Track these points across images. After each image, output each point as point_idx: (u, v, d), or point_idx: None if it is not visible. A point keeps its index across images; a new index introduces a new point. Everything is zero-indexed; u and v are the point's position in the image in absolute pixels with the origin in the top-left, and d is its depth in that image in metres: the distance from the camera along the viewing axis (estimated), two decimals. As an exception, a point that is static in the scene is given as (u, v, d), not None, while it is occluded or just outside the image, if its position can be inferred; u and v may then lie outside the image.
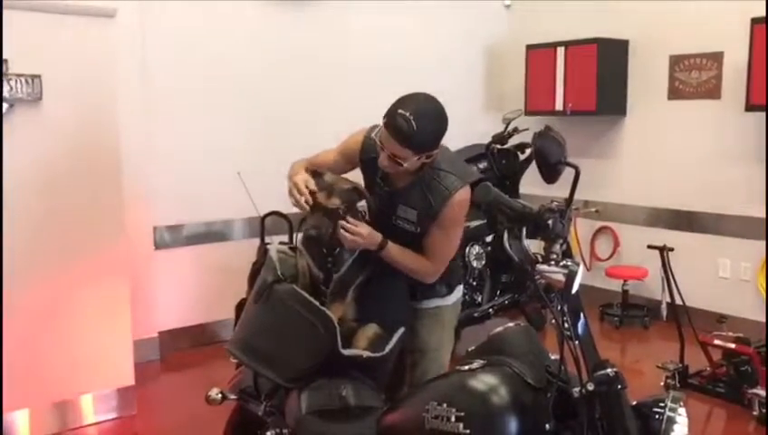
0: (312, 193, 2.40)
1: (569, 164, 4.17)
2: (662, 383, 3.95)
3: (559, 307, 1.80)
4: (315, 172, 2.50)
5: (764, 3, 4.59)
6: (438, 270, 2.47)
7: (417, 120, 2.18)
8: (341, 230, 2.34)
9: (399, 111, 2.20)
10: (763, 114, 4.75)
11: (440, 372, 2.48)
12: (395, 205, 2.43)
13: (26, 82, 3.40)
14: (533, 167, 4.55)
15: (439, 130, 2.28)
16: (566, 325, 1.80)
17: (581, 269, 1.78)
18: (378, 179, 2.46)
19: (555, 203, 1.92)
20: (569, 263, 1.78)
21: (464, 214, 2.42)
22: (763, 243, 4.82)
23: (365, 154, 2.49)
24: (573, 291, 1.77)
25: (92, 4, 3.65)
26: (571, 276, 1.74)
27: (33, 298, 3.49)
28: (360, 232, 2.34)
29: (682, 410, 1.81)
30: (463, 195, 2.36)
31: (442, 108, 2.31)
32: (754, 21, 4.62)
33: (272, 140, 5.03)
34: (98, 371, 3.76)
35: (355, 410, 2.15)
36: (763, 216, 4.82)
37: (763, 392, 3.75)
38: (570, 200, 3.41)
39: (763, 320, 4.76)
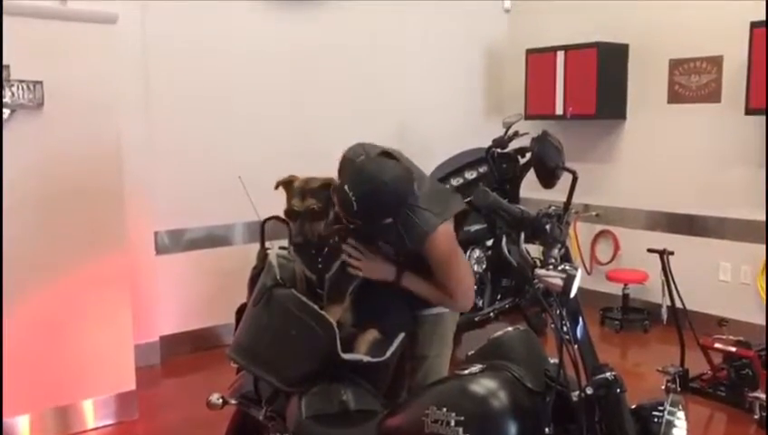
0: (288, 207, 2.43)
1: (567, 169, 4.20)
2: (663, 387, 3.95)
3: (557, 311, 1.81)
4: (286, 183, 2.51)
5: (763, 7, 4.60)
6: (463, 301, 2.46)
7: (358, 201, 2.18)
8: (345, 257, 2.36)
9: (345, 187, 2.20)
10: (763, 118, 4.76)
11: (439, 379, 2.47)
12: (374, 237, 2.43)
13: (28, 87, 3.41)
14: (533, 171, 4.57)
15: (384, 207, 2.24)
16: (565, 329, 1.80)
17: (580, 273, 1.79)
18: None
19: (553, 208, 1.93)
20: (567, 267, 1.78)
21: (453, 244, 2.41)
22: (764, 246, 4.83)
23: (340, 171, 2.49)
24: (572, 295, 1.77)
25: (94, 10, 3.67)
26: (569, 280, 1.75)
27: (33, 303, 3.50)
28: (367, 264, 2.37)
29: (681, 414, 1.81)
30: (443, 232, 2.35)
31: (390, 181, 2.20)
32: (754, 24, 4.64)
33: (273, 144, 5.04)
34: (99, 375, 3.76)
35: (355, 414, 2.16)
36: (763, 219, 4.82)
37: (763, 396, 3.75)
38: (567, 205, 3.43)
39: (764, 323, 4.76)
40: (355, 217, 2.24)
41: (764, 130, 4.81)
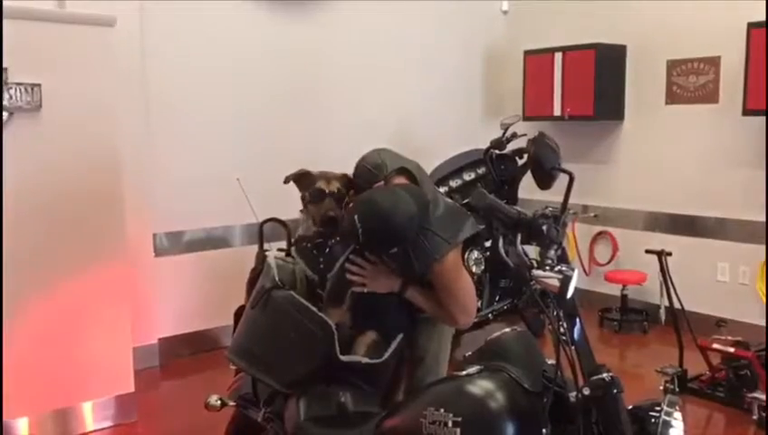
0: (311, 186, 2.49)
1: (563, 170, 4.21)
2: (661, 388, 3.95)
3: (554, 312, 1.82)
4: (300, 175, 2.57)
5: (760, 8, 4.61)
6: (463, 323, 2.47)
7: (364, 234, 2.21)
8: (349, 275, 2.38)
9: (355, 215, 2.21)
10: (760, 118, 4.77)
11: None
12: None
13: (26, 90, 3.41)
14: (530, 172, 4.57)
15: (389, 243, 2.28)
16: (562, 330, 1.81)
17: (576, 274, 1.80)
18: None
19: (550, 209, 1.94)
20: (563, 268, 1.79)
21: (459, 270, 2.44)
22: (761, 246, 4.84)
23: (355, 177, 2.51)
24: (568, 296, 1.78)
25: (92, 13, 3.67)
26: (565, 281, 1.76)
27: (32, 305, 3.50)
28: (371, 278, 2.39)
29: (678, 414, 1.82)
30: (452, 258, 2.39)
31: (400, 219, 2.21)
32: (751, 25, 4.64)
33: (271, 146, 5.05)
34: (98, 378, 3.76)
35: (353, 416, 2.16)
36: (761, 219, 4.83)
37: (762, 396, 3.75)
38: (564, 206, 3.45)
39: (762, 323, 4.77)
40: (359, 244, 2.29)
41: (762, 131, 4.82)
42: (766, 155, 4.76)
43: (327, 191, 2.47)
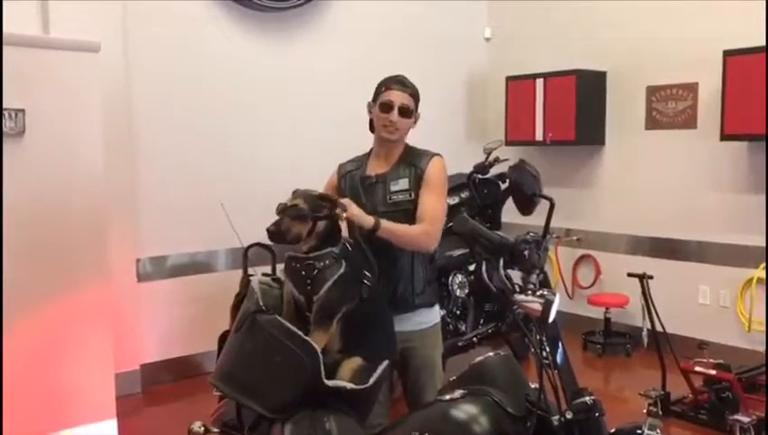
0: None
1: (543, 196, 4.27)
2: (645, 411, 3.96)
3: (537, 336, 1.83)
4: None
5: (736, 36, 4.71)
6: (435, 231, 2.69)
7: (403, 78, 2.96)
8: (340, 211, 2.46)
9: (390, 77, 2.93)
10: (738, 143, 4.86)
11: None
12: (387, 184, 2.77)
13: (9, 116, 3.40)
14: (512, 198, 4.61)
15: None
16: (545, 354, 1.83)
17: (558, 299, 1.82)
18: (366, 176, 2.82)
19: (531, 234, 1.96)
20: (545, 292, 1.81)
21: (446, 178, 2.79)
22: (742, 269, 4.90)
23: (342, 170, 2.91)
24: (550, 320, 1.80)
25: (76, 39, 3.68)
26: (547, 306, 1.78)
27: (13, 331, 3.45)
28: (352, 207, 2.54)
29: (659, 437, 1.83)
30: (442, 160, 2.80)
31: None
32: (727, 53, 4.75)
33: (255, 171, 5.06)
34: (79, 405, 3.71)
35: (338, 442, 2.15)
36: (741, 242, 4.90)
37: (743, 418, 3.77)
38: (545, 231, 3.51)
39: (743, 346, 4.83)
40: (409, 86, 3.11)
41: (740, 156, 4.91)
42: (766, 180, 4.79)
43: (284, 203, 2.42)
